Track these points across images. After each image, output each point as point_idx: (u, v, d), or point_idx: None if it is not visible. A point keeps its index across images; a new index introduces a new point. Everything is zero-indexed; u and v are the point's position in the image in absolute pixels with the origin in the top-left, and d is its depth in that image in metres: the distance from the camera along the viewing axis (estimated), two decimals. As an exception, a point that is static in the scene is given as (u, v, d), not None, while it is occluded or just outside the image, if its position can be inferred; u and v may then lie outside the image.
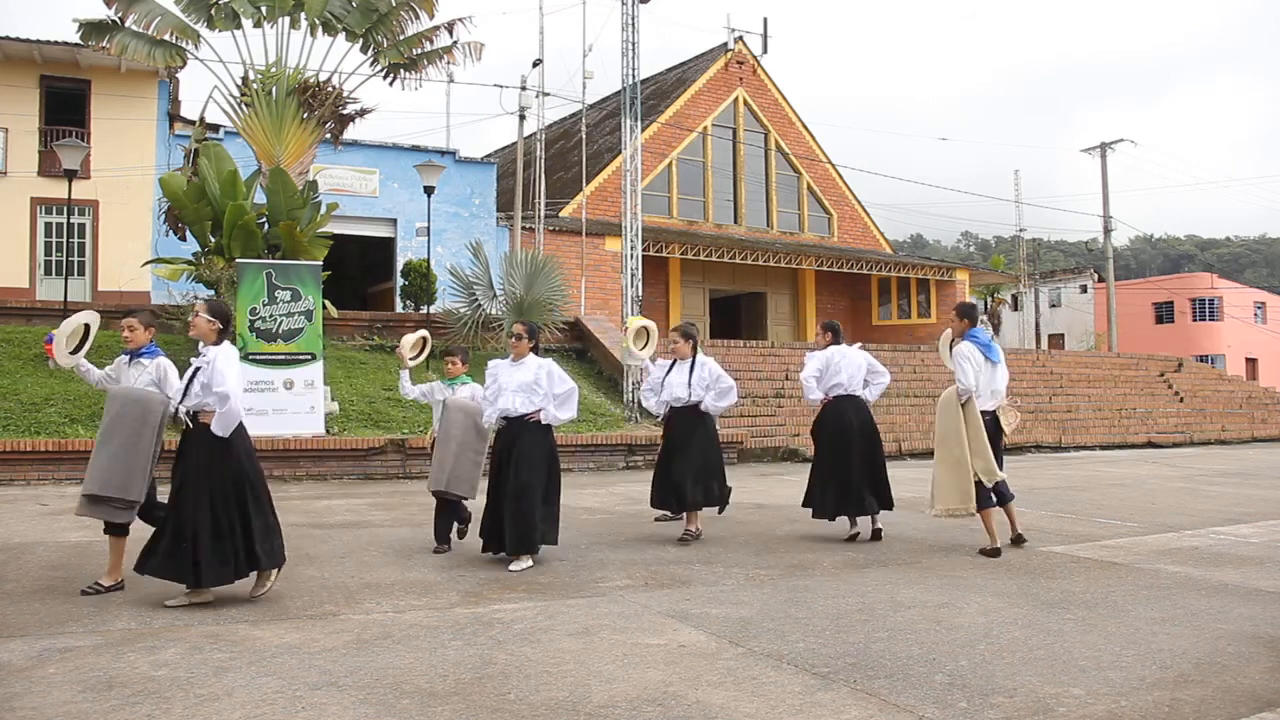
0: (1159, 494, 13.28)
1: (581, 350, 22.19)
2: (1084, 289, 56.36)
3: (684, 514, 9.14)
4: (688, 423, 8.97)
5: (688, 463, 8.84)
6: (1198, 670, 4.83)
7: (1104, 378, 28.94)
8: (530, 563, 7.57)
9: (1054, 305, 56.69)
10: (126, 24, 19.06)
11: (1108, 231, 42.12)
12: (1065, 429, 23.85)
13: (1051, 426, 23.85)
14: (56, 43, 24.45)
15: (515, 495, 7.50)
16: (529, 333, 7.89)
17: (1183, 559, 8.04)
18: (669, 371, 9.12)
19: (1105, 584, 6.98)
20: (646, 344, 9.76)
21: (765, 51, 36.35)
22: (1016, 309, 53.23)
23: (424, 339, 9.50)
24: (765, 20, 36.77)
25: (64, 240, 24.23)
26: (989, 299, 50.00)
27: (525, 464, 7.53)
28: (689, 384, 8.93)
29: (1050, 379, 27.64)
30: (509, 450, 7.65)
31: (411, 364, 9.21)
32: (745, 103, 35.91)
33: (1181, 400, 28.70)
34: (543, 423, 7.69)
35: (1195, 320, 53.68)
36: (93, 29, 19.09)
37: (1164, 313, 54.91)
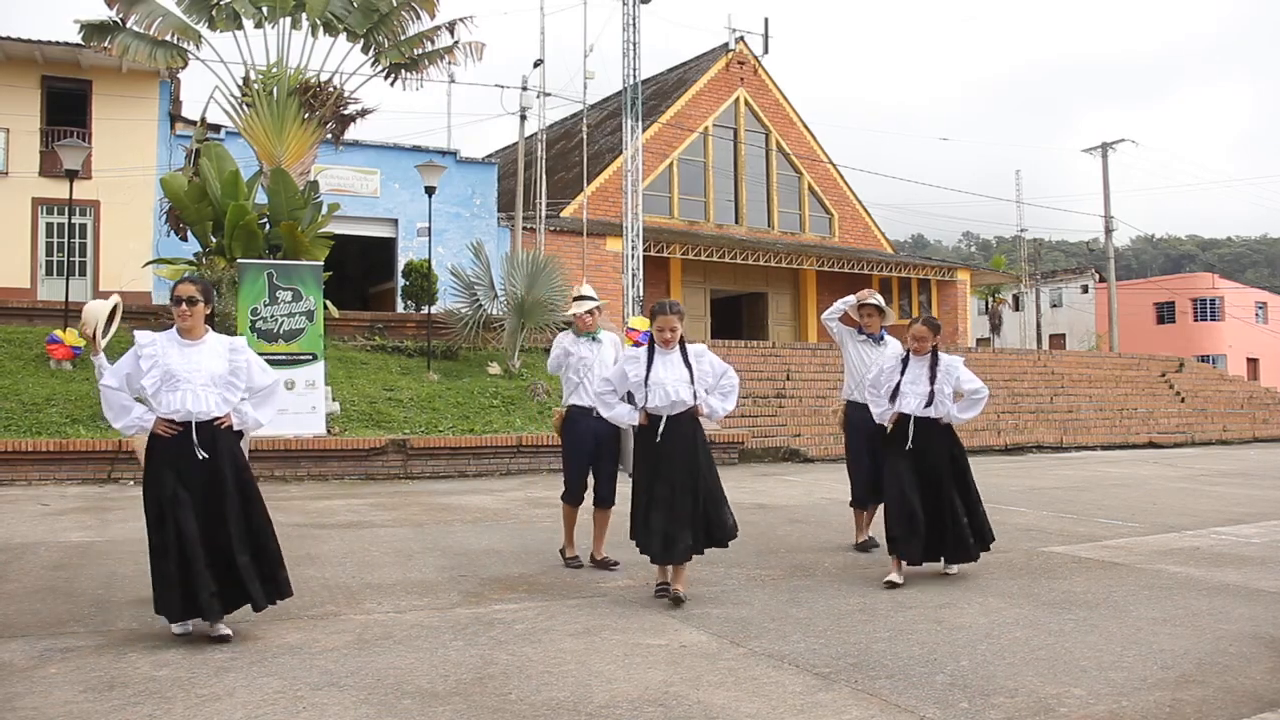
0: (1160, 494, 13.27)
1: (582, 350, 22.16)
2: (1085, 289, 56.37)
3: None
4: (684, 436, 6.43)
5: (692, 494, 6.35)
6: (1199, 670, 4.82)
7: (1105, 378, 28.94)
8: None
9: (1055, 305, 56.69)
10: (128, 25, 19.06)
11: (1109, 231, 42.15)
12: (1066, 429, 23.85)
13: (1053, 426, 23.85)
14: (58, 43, 24.47)
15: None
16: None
17: (1184, 559, 8.03)
18: (649, 365, 6.53)
19: (1107, 584, 6.97)
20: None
21: (766, 52, 36.41)
22: (1018, 309, 53.26)
23: (116, 308, 7.94)
24: (766, 20, 36.84)
25: (65, 240, 24.24)
26: (990, 299, 50.00)
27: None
28: (691, 381, 6.48)
29: (1051, 379, 27.64)
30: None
31: (103, 342, 7.58)
32: (746, 103, 35.92)
33: (1183, 400, 28.70)
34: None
35: (1196, 320, 53.68)
36: (94, 30, 19.09)
37: (1165, 313, 54.91)
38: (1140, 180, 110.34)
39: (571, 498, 7.65)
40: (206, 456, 5.34)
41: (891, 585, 6.85)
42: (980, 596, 6.53)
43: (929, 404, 7.11)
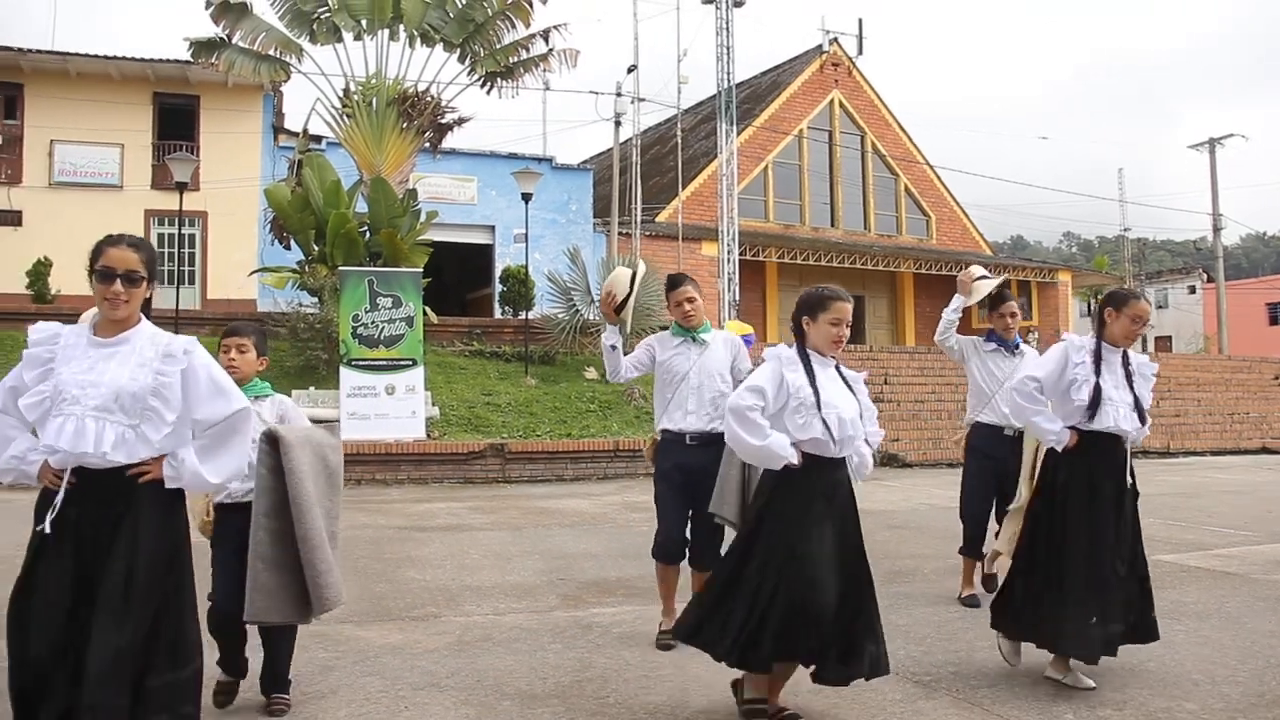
0: (1275, 501, 12.81)
1: (678, 355, 22.17)
2: (1192, 289, 54.78)
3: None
4: (849, 496, 4.29)
5: (856, 586, 4.18)
6: (1321, 683, 4.64)
7: (1214, 381, 28.06)
8: None
9: (1161, 307, 55.17)
10: (233, 41, 19.64)
11: (1217, 230, 40.89)
12: (1173, 434, 23.19)
13: (1159, 431, 23.17)
14: (168, 61, 25.23)
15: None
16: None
17: (1303, 568, 7.74)
18: (813, 379, 4.23)
19: (1219, 594, 6.75)
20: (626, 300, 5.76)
21: (860, 53, 36.02)
22: (1122, 311, 51.92)
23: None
24: (860, 21, 36.48)
25: (175, 250, 24.97)
26: (1092, 301, 48.90)
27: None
28: (860, 413, 4.34)
29: (1158, 383, 26.63)
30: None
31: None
32: (841, 104, 35.60)
33: (1299, 404, 27.71)
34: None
35: (1312, 320, 51.84)
36: (202, 47, 19.71)
37: (1278, 313, 53.10)
38: (1251, 175, 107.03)
39: (662, 553, 5.53)
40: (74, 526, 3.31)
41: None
42: (1087, 604, 6.37)
43: (1142, 420, 4.93)
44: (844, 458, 4.22)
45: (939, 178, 37.78)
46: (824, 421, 4.08)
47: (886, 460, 18.74)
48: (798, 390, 4.13)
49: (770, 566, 4.02)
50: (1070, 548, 4.69)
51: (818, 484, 4.13)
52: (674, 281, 5.73)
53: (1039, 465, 5.19)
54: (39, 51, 24.49)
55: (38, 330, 3.47)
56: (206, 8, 19.34)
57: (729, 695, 4.33)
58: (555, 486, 14.65)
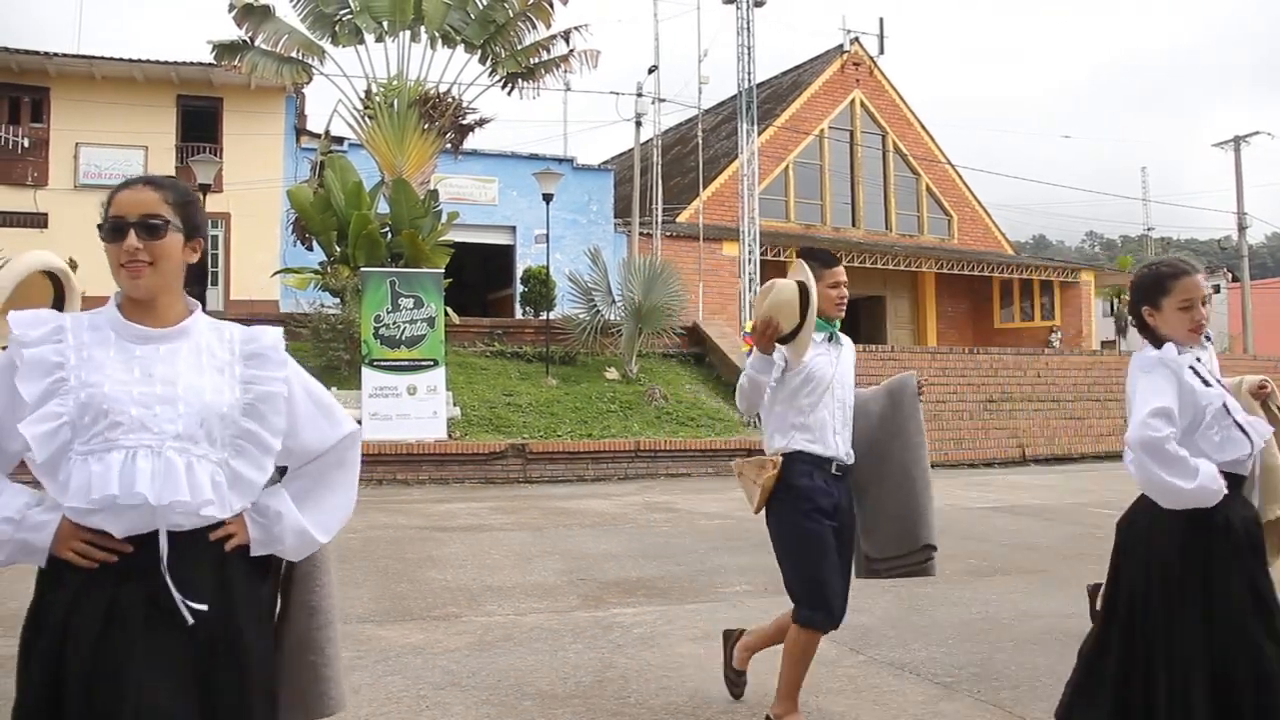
0: (1302, 501, 12.71)
1: (700, 355, 22.17)
2: (1217, 289, 54.27)
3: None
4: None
5: None
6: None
7: (1241, 380, 27.88)
8: None
9: (1186, 306, 54.74)
10: (256, 43, 19.76)
11: (1242, 229, 40.59)
12: (1200, 434, 23.04)
13: (1185, 431, 23.05)
14: (192, 63, 25.41)
15: None
16: None
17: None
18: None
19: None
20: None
21: (882, 52, 35.89)
22: (1146, 310, 51.55)
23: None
24: (881, 21, 36.32)
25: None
26: (1115, 301, 48.58)
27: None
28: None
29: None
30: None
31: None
32: (862, 104, 35.51)
33: (1326, 403, 27.48)
34: None
35: (1340, 320, 51.36)
36: (225, 49, 19.85)
37: (1305, 312, 52.64)
38: (1277, 173, 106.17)
39: (828, 619, 4.05)
40: (193, 620, 2.13)
41: None
42: (1110, 605, 6.34)
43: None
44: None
45: (961, 177, 37.64)
46: (1242, 429, 3.14)
47: (908, 461, 18.69)
48: (1204, 398, 3.13)
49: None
50: None
51: (1235, 521, 3.18)
52: (826, 258, 4.41)
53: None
54: (65, 55, 24.71)
55: (28, 321, 2.20)
56: (229, 11, 19.46)
57: (749, 695, 4.34)
58: (576, 487, 14.67)
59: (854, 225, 34.91)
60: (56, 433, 2.11)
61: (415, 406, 15.50)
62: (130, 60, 25.23)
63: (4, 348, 2.23)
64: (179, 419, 2.15)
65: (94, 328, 2.23)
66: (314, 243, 19.64)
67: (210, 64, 22.31)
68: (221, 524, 2.21)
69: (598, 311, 20.75)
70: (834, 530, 4.09)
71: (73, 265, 4.01)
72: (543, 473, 15.36)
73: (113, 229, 2.22)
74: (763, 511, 4.14)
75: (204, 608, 2.12)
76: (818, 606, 3.98)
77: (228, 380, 2.26)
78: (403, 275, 16.42)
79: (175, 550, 2.13)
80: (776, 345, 3.97)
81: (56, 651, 2.08)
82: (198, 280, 2.40)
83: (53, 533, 2.12)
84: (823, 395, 4.21)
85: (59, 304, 3.94)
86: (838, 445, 4.17)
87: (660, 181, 29.06)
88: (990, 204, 38.36)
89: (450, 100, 20.32)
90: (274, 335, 2.38)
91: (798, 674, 4.07)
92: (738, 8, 23.59)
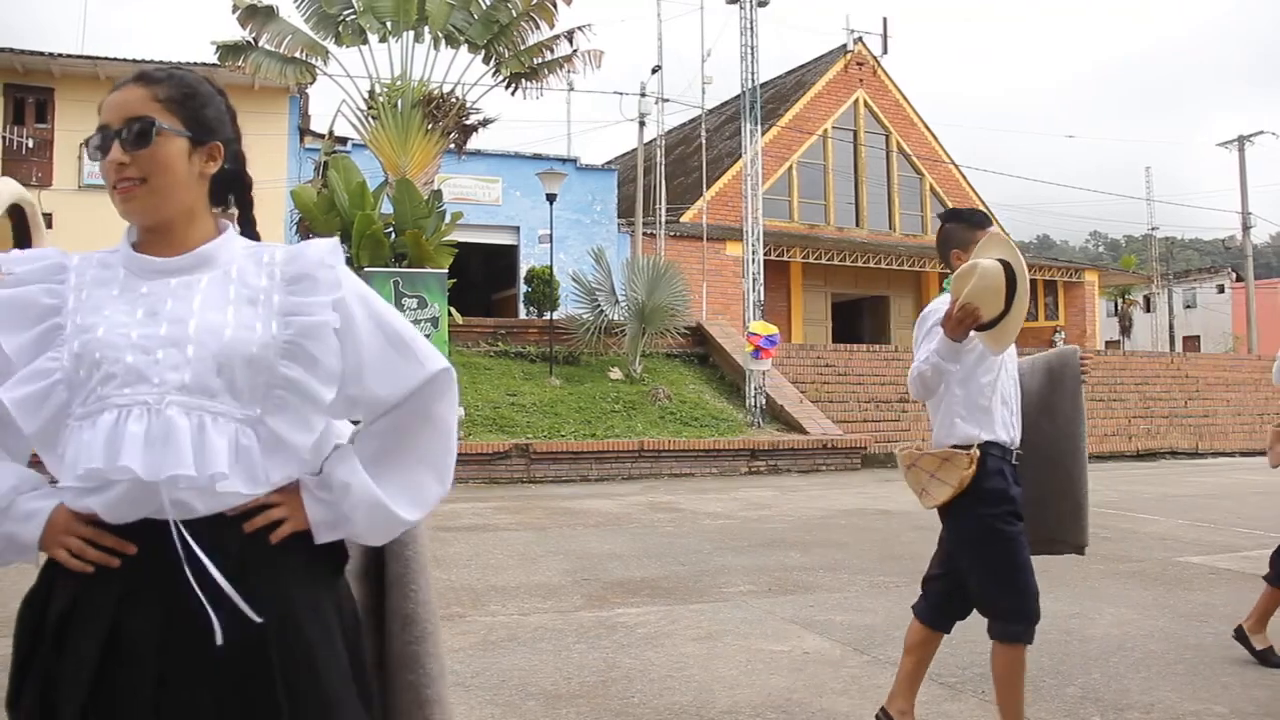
0: (1307, 501, 12.70)
1: (703, 355, 22.18)
2: (1221, 289, 54.25)
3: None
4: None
5: None
6: (1352, 686, 4.60)
7: (1243, 381, 27.83)
8: None
9: (1189, 306, 54.63)
10: (260, 44, 19.79)
11: (1246, 228, 40.52)
12: (1202, 434, 23.03)
13: (1187, 432, 23.04)
14: (196, 64, 25.42)
15: None
16: None
17: (1333, 569, 7.66)
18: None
19: (1249, 597, 6.66)
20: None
21: (885, 52, 35.89)
22: (1149, 311, 51.49)
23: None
24: (885, 20, 36.31)
25: (203, 252, 25.15)
26: (1119, 300, 48.54)
27: None
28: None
29: (1185, 383, 26.71)
30: None
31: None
32: (866, 104, 35.49)
33: (1330, 404, 27.46)
34: None
35: (1344, 320, 51.26)
36: (229, 50, 19.88)
37: (1309, 313, 52.55)
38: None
39: (1027, 624, 3.61)
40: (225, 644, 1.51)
41: None
42: (1112, 607, 6.34)
43: None
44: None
45: (964, 177, 37.63)
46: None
47: (912, 461, 18.69)
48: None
49: None
50: None
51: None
52: (979, 219, 3.94)
53: None
54: (69, 56, 24.73)
55: (22, 257, 1.71)
56: (233, 11, 19.49)
57: (753, 695, 4.34)
58: (580, 487, 14.68)
59: (858, 225, 34.91)
60: (48, 394, 1.57)
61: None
62: (134, 61, 25.23)
63: None
64: (186, 366, 1.56)
65: (104, 265, 1.70)
66: (318, 243, 19.66)
67: (214, 65, 22.32)
68: (264, 508, 1.60)
69: (601, 311, 20.75)
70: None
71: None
72: (546, 473, 15.37)
73: (98, 143, 1.69)
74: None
75: (259, 619, 1.53)
76: (1020, 620, 3.57)
77: (261, 313, 1.65)
78: (406, 275, 16.44)
79: (201, 545, 1.53)
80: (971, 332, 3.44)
81: (45, 701, 1.54)
82: (232, 198, 1.94)
83: (42, 523, 1.57)
84: (999, 374, 3.69)
85: (23, 243, 2.93)
86: (1016, 434, 3.71)
87: (664, 181, 29.07)
88: (994, 204, 38.35)
89: (454, 100, 20.33)
90: (321, 248, 1.76)
91: (1018, 696, 3.65)
92: (741, 8, 23.53)
